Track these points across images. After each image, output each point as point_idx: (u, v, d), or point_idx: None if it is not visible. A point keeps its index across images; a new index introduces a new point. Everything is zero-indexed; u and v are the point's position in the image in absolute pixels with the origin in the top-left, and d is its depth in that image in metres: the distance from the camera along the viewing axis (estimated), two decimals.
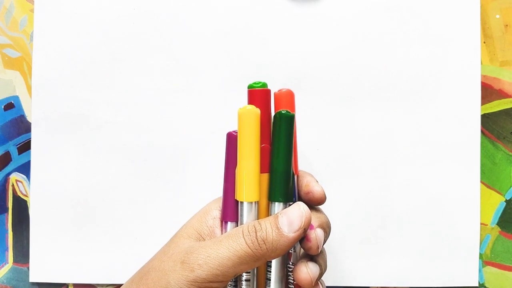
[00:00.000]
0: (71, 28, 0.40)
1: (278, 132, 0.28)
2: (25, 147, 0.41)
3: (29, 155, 0.41)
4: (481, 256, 0.40)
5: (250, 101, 0.30)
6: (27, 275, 0.41)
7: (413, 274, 0.39)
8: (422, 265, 0.39)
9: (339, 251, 0.39)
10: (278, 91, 0.31)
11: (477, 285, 0.39)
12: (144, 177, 0.40)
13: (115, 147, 0.40)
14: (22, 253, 0.41)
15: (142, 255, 0.40)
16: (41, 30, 0.41)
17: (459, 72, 0.39)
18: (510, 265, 0.39)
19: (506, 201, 0.40)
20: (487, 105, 0.40)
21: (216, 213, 0.30)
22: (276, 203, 0.29)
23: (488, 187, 0.40)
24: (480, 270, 0.39)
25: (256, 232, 0.27)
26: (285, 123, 0.28)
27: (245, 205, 0.29)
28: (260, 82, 0.30)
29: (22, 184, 0.41)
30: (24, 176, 0.41)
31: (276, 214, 0.28)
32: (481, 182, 0.40)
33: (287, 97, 0.31)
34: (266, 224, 0.27)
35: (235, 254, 0.26)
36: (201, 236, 0.29)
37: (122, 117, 0.40)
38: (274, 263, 0.28)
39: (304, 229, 0.27)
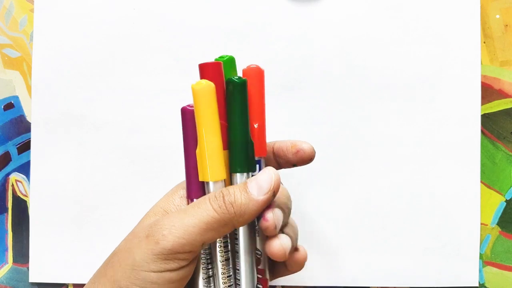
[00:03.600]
0: (71, 28, 0.40)
1: (231, 101, 0.27)
2: (25, 147, 0.41)
3: (28, 155, 0.41)
4: (481, 256, 0.40)
5: (202, 76, 0.28)
6: (27, 275, 0.41)
7: (413, 274, 0.39)
8: (422, 265, 0.39)
9: (339, 251, 0.39)
10: (247, 67, 0.29)
11: (477, 285, 0.39)
12: (144, 177, 0.40)
13: (115, 147, 0.40)
14: (21, 253, 0.41)
15: None
16: (41, 30, 0.41)
17: (459, 72, 0.39)
18: (510, 265, 0.39)
19: (506, 201, 0.40)
20: (487, 105, 0.40)
21: (183, 192, 0.29)
22: (238, 174, 0.28)
23: (488, 187, 0.40)
24: (480, 270, 0.39)
25: (223, 197, 0.26)
26: (237, 90, 0.27)
27: (211, 184, 0.27)
28: (226, 56, 0.29)
29: (22, 184, 0.41)
30: (24, 176, 0.41)
31: (245, 180, 0.27)
32: (481, 182, 0.40)
33: (255, 74, 0.29)
34: (235, 189, 0.26)
35: (201, 220, 0.25)
36: (167, 213, 0.28)
37: (122, 117, 0.40)
38: (242, 232, 0.27)
39: (274, 192, 0.26)
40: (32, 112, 0.41)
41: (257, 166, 0.29)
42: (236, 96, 0.27)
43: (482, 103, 0.40)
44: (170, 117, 0.40)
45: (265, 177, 0.26)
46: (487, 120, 0.40)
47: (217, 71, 0.28)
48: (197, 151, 0.27)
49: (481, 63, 0.40)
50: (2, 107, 0.41)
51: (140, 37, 0.40)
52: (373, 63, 0.40)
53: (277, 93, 0.40)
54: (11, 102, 0.41)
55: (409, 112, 0.39)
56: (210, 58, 0.40)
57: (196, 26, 0.40)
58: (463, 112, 0.39)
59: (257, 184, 0.26)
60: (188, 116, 0.27)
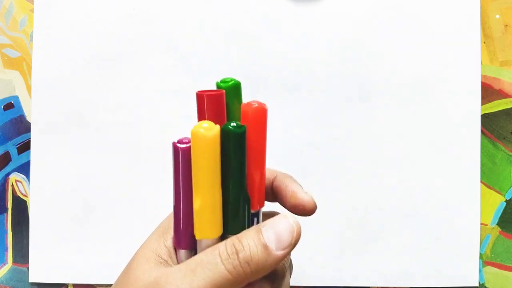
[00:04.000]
0: (71, 28, 0.40)
1: (227, 152, 0.23)
2: (25, 147, 0.41)
3: (28, 155, 0.41)
4: (481, 256, 0.40)
5: (201, 107, 0.24)
6: (27, 275, 0.41)
7: (413, 274, 0.39)
8: (422, 265, 0.39)
9: (339, 251, 0.39)
10: (247, 104, 0.24)
11: (477, 285, 0.39)
12: (144, 177, 0.40)
13: (115, 147, 0.40)
14: (21, 253, 0.41)
15: None
16: (41, 30, 0.41)
17: (459, 72, 0.39)
18: (510, 265, 0.39)
19: (506, 201, 0.40)
20: (487, 105, 0.40)
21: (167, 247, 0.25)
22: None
23: (488, 187, 0.40)
24: (480, 270, 0.39)
25: (237, 254, 0.22)
26: (234, 141, 0.23)
27: (204, 242, 0.23)
28: (230, 79, 0.25)
29: (22, 184, 0.41)
30: (24, 176, 0.41)
31: (258, 226, 0.23)
32: (481, 182, 0.40)
33: (257, 114, 0.24)
34: (249, 241, 0.22)
35: (213, 284, 0.21)
36: (161, 258, 0.25)
37: (122, 117, 0.40)
38: None
39: (295, 244, 0.23)
40: (32, 112, 0.41)
41: (255, 219, 0.25)
42: (233, 148, 0.23)
43: (482, 103, 0.40)
44: (170, 117, 0.40)
45: (285, 227, 0.23)
46: (487, 120, 0.40)
47: (218, 103, 0.24)
48: (195, 206, 0.23)
49: (481, 63, 0.40)
50: (2, 107, 0.41)
51: (140, 37, 0.40)
52: (373, 63, 0.39)
53: (277, 93, 0.40)
54: (11, 102, 0.41)
55: (409, 112, 0.39)
56: (211, 58, 0.40)
57: (196, 26, 0.40)
58: (463, 112, 0.39)
59: (276, 236, 0.22)
60: (184, 157, 0.23)
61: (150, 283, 0.23)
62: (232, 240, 0.23)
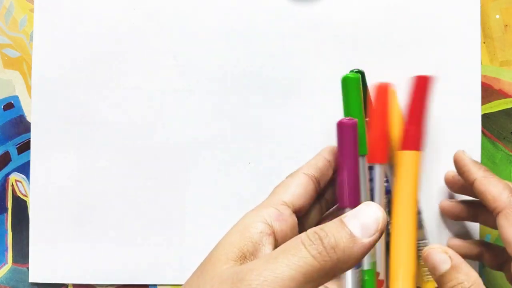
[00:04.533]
0: (71, 28, 0.40)
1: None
2: (25, 147, 0.41)
3: (28, 155, 0.41)
4: None
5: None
6: (27, 276, 0.41)
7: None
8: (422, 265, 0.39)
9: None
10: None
11: None
12: (145, 177, 0.40)
13: (115, 147, 0.40)
14: (21, 254, 0.41)
15: (142, 255, 0.40)
16: (41, 30, 0.41)
17: (459, 72, 0.39)
18: None
19: None
20: (487, 105, 0.40)
21: (262, 226, 0.25)
22: None
23: None
24: (480, 270, 0.39)
25: (321, 239, 0.21)
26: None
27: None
28: (356, 71, 0.32)
29: (22, 184, 0.41)
30: (24, 176, 0.41)
31: (338, 218, 0.22)
32: None
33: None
34: (332, 229, 0.21)
35: (299, 271, 0.20)
36: (245, 256, 0.23)
37: (122, 117, 0.40)
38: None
39: (381, 232, 0.22)
40: (32, 112, 0.41)
41: (371, 172, 0.30)
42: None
43: (482, 103, 0.40)
44: (171, 117, 0.40)
45: (370, 214, 0.22)
46: (487, 120, 0.40)
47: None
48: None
49: (481, 63, 0.40)
50: (2, 107, 0.41)
51: (140, 37, 0.40)
52: (373, 63, 0.39)
53: (277, 93, 0.40)
54: (11, 102, 0.41)
55: None
56: (210, 58, 0.40)
57: (196, 26, 0.40)
58: (463, 112, 0.39)
59: (360, 223, 0.22)
60: (347, 132, 0.30)
61: (229, 277, 0.21)
62: (313, 229, 0.22)
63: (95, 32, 0.40)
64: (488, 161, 0.40)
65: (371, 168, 0.32)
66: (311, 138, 0.40)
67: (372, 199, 0.34)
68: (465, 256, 0.35)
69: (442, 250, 0.27)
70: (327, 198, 0.34)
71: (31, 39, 0.41)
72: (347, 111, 0.33)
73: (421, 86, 0.35)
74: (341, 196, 0.29)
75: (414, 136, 0.35)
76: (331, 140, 0.40)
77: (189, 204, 0.40)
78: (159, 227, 0.40)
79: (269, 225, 0.25)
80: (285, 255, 0.21)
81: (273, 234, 0.25)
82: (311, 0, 0.40)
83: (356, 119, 0.31)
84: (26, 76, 0.41)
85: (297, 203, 0.28)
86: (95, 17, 0.40)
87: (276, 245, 0.25)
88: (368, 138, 0.33)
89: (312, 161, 0.32)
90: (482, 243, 0.37)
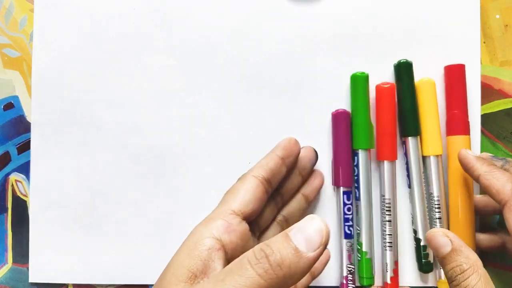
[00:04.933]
0: (71, 28, 0.40)
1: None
2: (25, 147, 0.41)
3: (28, 155, 0.41)
4: None
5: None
6: (27, 276, 0.41)
7: (413, 274, 0.39)
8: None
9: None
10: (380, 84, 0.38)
11: None
12: (144, 177, 0.40)
13: (115, 147, 0.40)
14: (21, 254, 0.41)
15: (142, 255, 0.40)
16: (41, 30, 0.41)
17: None
18: (510, 265, 0.39)
19: None
20: (487, 105, 0.40)
21: (210, 242, 0.25)
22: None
23: None
24: None
25: (267, 257, 0.21)
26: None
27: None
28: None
29: (22, 184, 0.41)
30: (24, 176, 0.41)
31: (284, 232, 0.22)
32: None
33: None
34: (277, 244, 0.22)
35: None
36: (196, 275, 0.23)
37: (122, 117, 0.40)
38: None
39: (325, 245, 0.22)
40: (32, 112, 0.41)
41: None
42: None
43: (482, 103, 0.40)
44: (171, 117, 0.40)
45: (314, 228, 0.22)
46: (487, 120, 0.40)
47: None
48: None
49: (481, 63, 0.40)
50: (2, 107, 0.41)
51: (140, 37, 0.40)
52: (373, 63, 0.39)
53: (277, 93, 0.40)
54: (11, 102, 0.41)
55: None
56: (210, 58, 0.40)
57: (196, 26, 0.40)
58: None
59: (305, 238, 0.22)
60: (341, 119, 0.38)
61: None
62: (260, 246, 0.22)
63: (95, 32, 0.40)
64: None
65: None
66: (311, 138, 0.40)
67: (388, 192, 0.38)
68: (489, 248, 0.36)
69: (444, 233, 0.27)
70: (282, 193, 0.35)
71: (31, 39, 0.41)
72: (354, 106, 0.38)
73: (457, 73, 0.38)
74: (336, 177, 0.38)
75: (461, 121, 0.37)
76: (331, 139, 0.40)
77: (189, 204, 0.40)
78: (159, 227, 0.40)
79: (217, 239, 0.25)
80: (232, 276, 0.21)
81: (223, 247, 0.25)
82: (311, 0, 0.40)
83: (349, 111, 0.38)
84: (26, 76, 0.41)
85: (246, 209, 0.27)
86: (95, 17, 0.40)
87: (227, 258, 0.25)
88: (376, 135, 0.38)
89: (263, 161, 0.32)
90: (504, 234, 0.37)
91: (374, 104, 0.39)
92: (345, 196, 0.37)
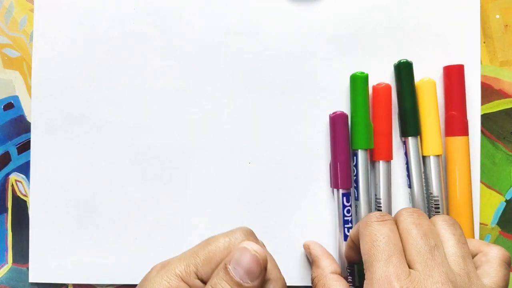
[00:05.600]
0: (71, 28, 0.40)
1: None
2: (25, 147, 0.41)
3: (28, 155, 0.41)
4: None
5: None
6: (27, 276, 0.41)
7: None
8: None
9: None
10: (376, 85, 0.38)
11: None
12: (144, 177, 0.40)
13: (115, 147, 0.40)
14: (21, 253, 0.41)
15: (142, 255, 0.40)
16: (41, 30, 0.41)
17: None
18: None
19: (506, 201, 0.40)
20: (487, 105, 0.40)
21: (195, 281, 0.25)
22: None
23: (488, 187, 0.40)
24: None
25: None
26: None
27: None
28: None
29: (22, 184, 0.41)
30: (24, 176, 0.41)
31: (223, 265, 0.24)
32: (481, 182, 0.40)
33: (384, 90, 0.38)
34: (223, 285, 0.23)
35: None
36: None
37: (122, 117, 0.40)
38: None
39: (265, 269, 0.24)
40: (32, 112, 0.41)
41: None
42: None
43: (482, 103, 0.40)
44: (171, 117, 0.40)
45: (250, 259, 0.23)
46: (487, 120, 0.40)
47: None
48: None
49: (481, 63, 0.40)
50: (2, 107, 0.41)
51: (140, 37, 0.40)
52: (373, 63, 0.39)
53: (277, 93, 0.40)
54: (11, 102, 0.41)
55: None
56: (211, 58, 0.40)
57: (196, 26, 0.40)
58: None
59: (244, 270, 0.23)
60: (340, 122, 0.38)
61: None
62: None
63: (95, 32, 0.40)
64: (488, 161, 0.40)
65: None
66: (311, 137, 0.40)
67: (382, 193, 0.38)
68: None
69: (307, 246, 0.34)
70: None
71: (31, 39, 0.41)
72: (353, 106, 0.38)
73: (456, 74, 0.38)
74: (335, 179, 0.38)
75: (459, 122, 0.37)
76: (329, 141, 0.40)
77: (189, 204, 0.40)
78: (159, 227, 0.40)
79: None
80: None
81: None
82: (311, 0, 0.40)
83: (346, 113, 0.38)
84: (26, 76, 0.41)
85: (207, 276, 0.26)
86: (95, 17, 0.40)
87: None
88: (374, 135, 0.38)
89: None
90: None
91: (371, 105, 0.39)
92: (344, 198, 0.37)
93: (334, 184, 0.38)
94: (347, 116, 0.38)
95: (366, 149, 0.38)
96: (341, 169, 0.37)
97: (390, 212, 0.38)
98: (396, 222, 0.28)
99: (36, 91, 0.40)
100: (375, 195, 0.38)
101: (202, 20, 0.40)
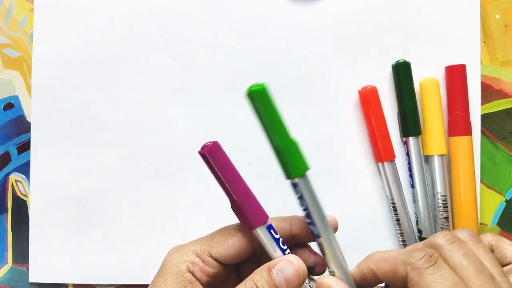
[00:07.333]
0: (71, 28, 0.40)
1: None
2: (25, 147, 0.41)
3: (28, 155, 0.41)
4: None
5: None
6: (27, 276, 0.41)
7: None
8: None
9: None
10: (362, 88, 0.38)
11: None
12: (144, 177, 0.40)
13: (115, 147, 0.40)
14: (21, 253, 0.41)
15: (142, 255, 0.40)
16: (41, 30, 0.41)
17: None
18: None
19: (506, 201, 0.40)
20: (487, 105, 0.40)
21: (190, 276, 0.27)
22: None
23: (488, 187, 0.40)
24: None
25: None
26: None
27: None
28: (260, 84, 0.27)
29: (22, 184, 0.41)
30: (24, 176, 0.41)
31: (268, 267, 0.26)
32: (481, 182, 0.40)
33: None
34: (263, 285, 0.26)
35: None
36: None
37: (122, 117, 0.40)
38: None
39: (303, 281, 0.26)
40: (32, 112, 0.41)
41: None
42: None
43: (482, 103, 0.40)
44: (170, 117, 0.40)
45: (293, 272, 0.26)
46: (487, 120, 0.40)
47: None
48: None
49: (481, 63, 0.40)
50: (2, 107, 0.41)
51: (140, 37, 0.40)
52: (373, 63, 0.39)
53: (277, 93, 0.40)
54: (11, 102, 0.41)
55: None
56: (210, 58, 0.40)
57: (196, 26, 0.40)
58: None
59: (285, 279, 0.26)
60: (216, 157, 0.27)
61: None
62: (250, 284, 0.26)
63: (95, 32, 0.40)
64: (488, 161, 0.40)
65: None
66: (311, 138, 0.40)
67: (390, 194, 0.38)
68: None
69: (327, 285, 0.28)
70: None
71: (31, 39, 0.41)
72: (265, 128, 0.29)
73: (459, 74, 0.38)
74: (244, 218, 0.27)
75: (464, 122, 0.38)
76: (331, 139, 0.40)
77: (189, 204, 0.40)
78: (158, 227, 0.40)
79: (194, 273, 0.27)
80: None
81: (198, 280, 0.27)
82: (311, 0, 0.40)
83: (216, 141, 0.28)
84: (26, 76, 0.41)
85: (225, 260, 0.28)
86: (95, 17, 0.40)
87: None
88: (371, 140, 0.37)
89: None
90: None
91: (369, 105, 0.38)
92: None
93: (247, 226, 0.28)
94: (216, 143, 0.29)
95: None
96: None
97: (405, 211, 0.38)
98: (440, 254, 0.26)
99: (36, 91, 0.40)
100: (388, 196, 0.39)
101: (202, 21, 0.40)
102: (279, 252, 0.27)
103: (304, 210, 0.27)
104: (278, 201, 0.40)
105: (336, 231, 0.29)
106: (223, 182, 0.27)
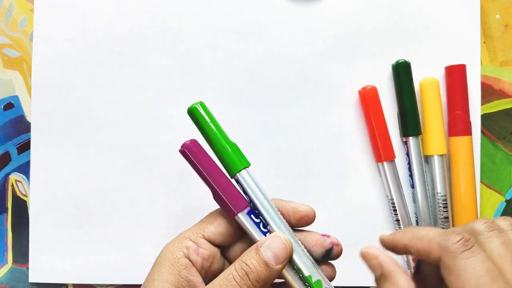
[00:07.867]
0: (71, 28, 0.40)
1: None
2: (25, 147, 0.41)
3: (28, 155, 0.41)
4: None
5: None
6: (27, 276, 0.41)
7: None
8: None
9: None
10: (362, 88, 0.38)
11: None
12: (144, 177, 0.40)
13: (115, 147, 0.40)
14: (21, 253, 0.41)
15: (142, 255, 0.40)
16: (41, 30, 0.41)
17: None
18: None
19: (506, 201, 0.40)
20: (487, 105, 0.40)
21: (185, 260, 0.28)
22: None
23: (488, 187, 0.40)
24: None
25: (248, 275, 0.27)
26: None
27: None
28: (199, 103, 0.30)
29: (22, 184, 0.41)
30: (24, 176, 0.41)
31: (255, 246, 0.27)
32: (481, 182, 0.40)
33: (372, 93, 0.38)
34: (253, 262, 0.27)
35: None
36: None
37: (122, 117, 0.40)
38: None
39: (290, 257, 0.27)
40: (32, 112, 0.41)
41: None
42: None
43: (482, 103, 0.40)
44: (170, 117, 0.40)
45: (280, 245, 0.27)
46: (487, 120, 0.40)
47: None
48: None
49: (481, 63, 0.40)
50: (2, 107, 0.41)
51: (140, 37, 0.40)
52: (373, 63, 0.39)
53: (277, 93, 0.40)
54: (11, 102, 0.41)
55: None
56: (210, 58, 0.40)
57: (196, 26, 0.40)
58: None
59: (273, 254, 0.27)
60: (195, 153, 0.30)
61: None
62: (239, 264, 0.27)
63: (95, 32, 0.40)
64: (488, 161, 0.40)
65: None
66: (311, 138, 0.40)
67: (389, 194, 0.38)
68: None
69: (374, 256, 0.27)
70: None
71: (31, 39, 0.41)
72: (204, 136, 0.31)
73: (459, 74, 0.38)
74: (226, 206, 0.29)
75: (464, 122, 0.38)
76: (331, 139, 0.40)
77: (189, 204, 0.40)
78: (159, 227, 0.40)
79: (189, 258, 0.29)
80: None
81: (194, 265, 0.29)
82: (311, 0, 0.40)
83: (194, 139, 0.30)
84: (26, 76, 0.41)
85: (216, 240, 0.30)
86: (95, 17, 0.40)
87: (200, 273, 0.29)
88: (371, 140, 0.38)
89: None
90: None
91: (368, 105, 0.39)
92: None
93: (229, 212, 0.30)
94: (194, 141, 0.31)
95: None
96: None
97: (405, 211, 0.38)
98: (477, 240, 0.25)
99: (36, 91, 0.40)
100: (388, 196, 0.39)
101: (202, 21, 0.40)
102: (260, 233, 0.29)
103: (250, 202, 0.29)
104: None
105: (313, 222, 0.30)
106: (204, 175, 0.29)
